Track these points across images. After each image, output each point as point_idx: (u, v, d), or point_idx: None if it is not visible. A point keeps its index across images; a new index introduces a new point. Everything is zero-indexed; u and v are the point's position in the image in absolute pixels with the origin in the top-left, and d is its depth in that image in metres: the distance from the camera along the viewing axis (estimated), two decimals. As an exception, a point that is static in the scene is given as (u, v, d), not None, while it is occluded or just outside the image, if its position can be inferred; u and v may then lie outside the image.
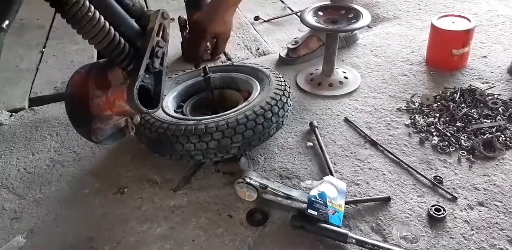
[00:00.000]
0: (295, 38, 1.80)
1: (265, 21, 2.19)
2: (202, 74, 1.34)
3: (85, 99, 0.93)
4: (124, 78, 0.96)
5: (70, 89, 0.94)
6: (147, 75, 0.95)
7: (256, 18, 2.20)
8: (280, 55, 1.80)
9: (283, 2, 2.39)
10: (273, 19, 2.20)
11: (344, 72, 1.65)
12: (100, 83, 0.96)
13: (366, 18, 1.51)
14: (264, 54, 1.91)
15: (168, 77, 1.48)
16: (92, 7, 0.87)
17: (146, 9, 1.01)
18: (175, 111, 1.34)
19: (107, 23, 0.89)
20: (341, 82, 1.60)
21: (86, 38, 0.89)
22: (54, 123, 1.49)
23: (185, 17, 1.81)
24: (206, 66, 1.34)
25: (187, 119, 1.22)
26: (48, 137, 1.44)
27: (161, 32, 0.98)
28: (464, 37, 1.57)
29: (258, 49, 1.96)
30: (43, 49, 2.06)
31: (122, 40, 0.93)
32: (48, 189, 1.23)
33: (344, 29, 1.53)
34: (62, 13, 0.85)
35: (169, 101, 1.35)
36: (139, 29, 0.97)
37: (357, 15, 1.53)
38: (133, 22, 0.97)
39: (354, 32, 1.83)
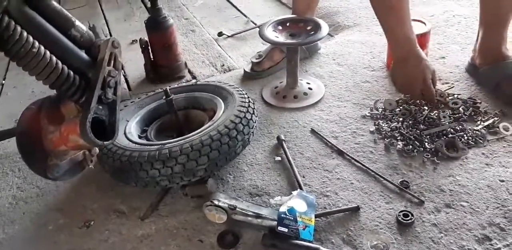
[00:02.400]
0: (258, 52, 1.81)
1: (228, 36, 2.21)
2: (164, 97, 1.34)
3: (38, 136, 0.92)
4: (78, 111, 0.95)
5: (21, 127, 0.93)
6: (100, 107, 0.94)
7: (220, 34, 2.22)
8: (244, 70, 1.81)
9: (245, 16, 2.42)
10: (236, 34, 2.22)
11: (308, 83, 1.67)
12: (53, 118, 0.95)
13: (324, 29, 1.53)
14: (230, 70, 1.92)
15: (131, 102, 1.47)
16: (36, 43, 0.86)
17: (96, 38, 1.01)
18: (139, 136, 1.33)
19: (54, 58, 0.89)
20: (305, 94, 1.62)
21: (32, 75, 0.88)
22: (16, 159, 1.45)
23: (147, 38, 1.82)
24: (167, 89, 1.34)
25: (150, 145, 1.21)
26: (10, 173, 1.41)
27: (112, 62, 0.98)
28: (421, 40, 1.60)
29: (223, 65, 1.97)
30: (3, 81, 2.03)
31: (71, 73, 0.92)
32: (11, 228, 1.20)
33: (303, 42, 1.55)
34: (5, 52, 0.84)
35: (132, 127, 1.34)
36: (90, 60, 0.97)
37: (315, 27, 1.56)
38: (82, 53, 0.96)
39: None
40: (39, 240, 1.15)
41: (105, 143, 0.90)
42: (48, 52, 0.87)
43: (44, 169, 0.91)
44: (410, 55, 1.41)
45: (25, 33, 0.84)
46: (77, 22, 0.96)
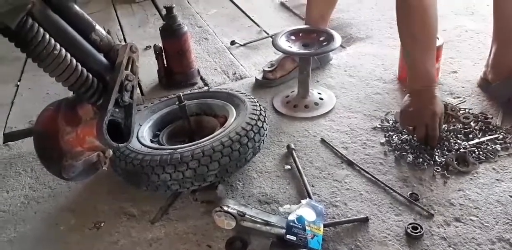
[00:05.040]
0: (270, 61, 1.83)
1: (241, 45, 2.23)
2: (177, 103, 1.36)
3: (55, 136, 0.93)
4: (95, 113, 0.97)
5: (39, 127, 0.94)
6: (116, 109, 0.96)
7: (232, 42, 2.24)
8: (256, 79, 1.82)
9: (258, 25, 2.44)
10: (249, 43, 2.23)
11: (319, 93, 1.68)
12: (70, 119, 0.96)
13: (337, 40, 1.54)
14: (241, 78, 1.94)
15: (144, 107, 1.49)
16: (58, 45, 0.88)
17: (114, 43, 1.03)
18: (151, 140, 1.35)
19: (74, 60, 0.90)
20: (316, 104, 1.63)
21: (52, 76, 0.90)
22: (29, 159, 1.47)
23: (161, 45, 1.84)
24: (181, 94, 1.36)
25: (162, 149, 1.22)
26: (23, 173, 1.42)
27: (130, 66, 1.00)
28: (433, 54, 1.61)
29: (235, 73, 1.99)
30: (18, 82, 2.06)
31: (90, 76, 0.94)
32: (23, 227, 1.21)
33: (316, 52, 1.56)
34: (27, 53, 0.87)
35: (144, 131, 1.35)
36: (108, 64, 0.99)
37: (328, 38, 1.57)
38: (101, 57, 0.98)
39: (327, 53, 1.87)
40: (50, 240, 1.16)
41: (120, 145, 0.91)
42: (68, 55, 0.89)
43: (59, 169, 0.92)
44: (425, 89, 1.34)
45: (47, 35, 0.86)
46: (97, 27, 0.99)
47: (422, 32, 1.30)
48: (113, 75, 0.96)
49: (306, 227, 1.04)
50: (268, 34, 2.31)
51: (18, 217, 1.25)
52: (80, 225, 1.19)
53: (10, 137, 1.61)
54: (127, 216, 1.21)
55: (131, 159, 1.17)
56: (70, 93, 0.98)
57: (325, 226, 1.09)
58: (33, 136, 0.95)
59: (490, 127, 1.41)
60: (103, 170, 1.00)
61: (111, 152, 1.02)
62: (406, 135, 1.40)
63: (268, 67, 1.80)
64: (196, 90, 1.78)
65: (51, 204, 1.29)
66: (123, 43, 0.99)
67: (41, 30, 0.86)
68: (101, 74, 0.97)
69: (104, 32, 1.01)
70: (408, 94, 1.38)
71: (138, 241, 1.13)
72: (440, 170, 1.26)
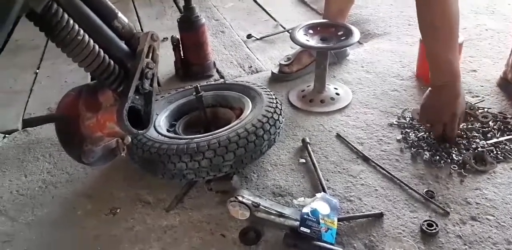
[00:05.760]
0: (287, 55, 1.82)
1: (257, 39, 2.22)
2: (194, 93, 1.36)
3: (76, 121, 0.94)
4: (115, 99, 0.97)
5: (60, 112, 0.95)
6: (137, 97, 0.96)
7: (249, 36, 2.24)
8: (272, 72, 1.82)
9: (275, 20, 2.44)
10: (265, 37, 2.23)
11: (336, 89, 1.67)
12: (90, 105, 0.97)
13: (355, 35, 1.53)
14: (257, 72, 1.94)
15: (161, 97, 1.49)
16: (81, 31, 0.88)
17: (135, 31, 1.03)
18: (167, 130, 1.35)
19: (97, 46, 0.91)
20: (332, 99, 1.62)
21: (75, 61, 0.90)
22: (47, 145, 1.49)
23: (178, 36, 1.84)
24: (198, 86, 1.36)
25: (179, 138, 1.23)
26: (41, 158, 1.44)
27: (150, 54, 1.00)
28: (453, 52, 1.58)
29: (251, 66, 1.99)
30: (37, 70, 2.08)
31: (112, 62, 0.94)
32: (40, 211, 1.23)
33: (334, 47, 1.55)
34: (51, 37, 0.87)
35: (161, 121, 1.36)
36: (129, 51, 0.99)
37: (347, 33, 1.56)
38: (122, 44, 0.99)
39: (344, 48, 1.86)
40: (68, 224, 1.18)
41: (139, 131, 0.92)
42: (91, 41, 0.90)
43: (79, 154, 0.93)
44: (449, 85, 1.26)
45: (71, 21, 0.87)
46: (120, 14, 0.99)
47: (443, 20, 1.22)
48: (134, 63, 0.96)
49: (320, 220, 1.04)
50: (284, 28, 2.30)
51: (36, 201, 1.27)
52: (96, 211, 1.21)
53: (29, 122, 1.63)
54: (142, 203, 1.22)
55: (148, 147, 1.18)
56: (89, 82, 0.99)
57: (339, 220, 1.09)
58: (54, 121, 0.96)
59: (509, 126, 1.39)
60: (121, 156, 1.00)
61: (129, 139, 1.03)
62: (423, 132, 1.39)
63: (285, 61, 1.79)
64: (213, 82, 1.78)
65: (69, 189, 1.30)
66: (148, 31, 0.99)
67: (66, 15, 0.86)
68: (123, 61, 0.97)
69: (126, 20, 1.01)
70: (430, 89, 1.32)
71: (153, 228, 1.14)
72: (457, 168, 1.25)
